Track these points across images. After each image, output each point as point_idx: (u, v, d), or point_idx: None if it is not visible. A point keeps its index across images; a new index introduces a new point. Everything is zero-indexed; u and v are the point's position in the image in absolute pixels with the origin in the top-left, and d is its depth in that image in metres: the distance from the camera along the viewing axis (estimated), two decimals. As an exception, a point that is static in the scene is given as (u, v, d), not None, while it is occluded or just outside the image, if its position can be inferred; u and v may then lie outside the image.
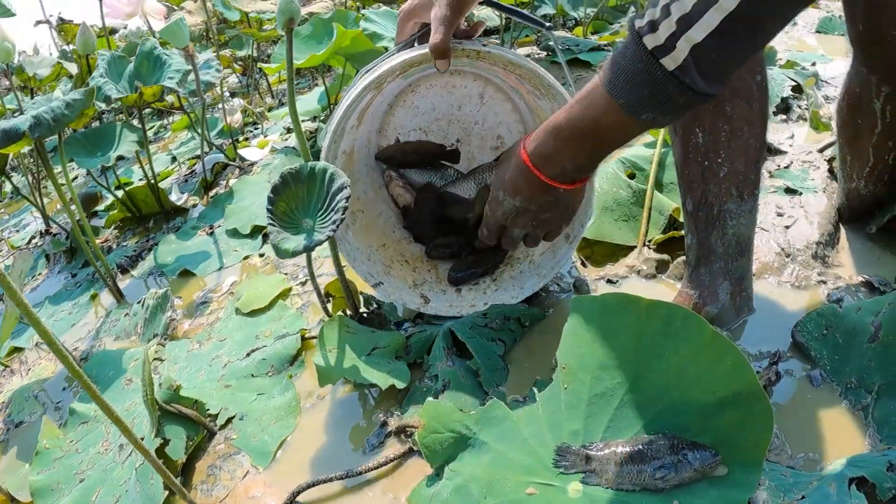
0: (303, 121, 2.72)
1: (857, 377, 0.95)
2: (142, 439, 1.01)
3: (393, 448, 1.07)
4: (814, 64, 2.29)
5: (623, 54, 0.77)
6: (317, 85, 3.49)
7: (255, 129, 3.01)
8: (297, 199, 1.12)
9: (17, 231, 3.01)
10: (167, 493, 1.06)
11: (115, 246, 2.33)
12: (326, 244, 1.20)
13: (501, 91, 1.49)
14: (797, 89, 2.04)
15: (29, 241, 2.75)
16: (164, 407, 1.16)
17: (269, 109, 3.38)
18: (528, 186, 0.98)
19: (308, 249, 1.03)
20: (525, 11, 1.34)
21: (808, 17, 2.98)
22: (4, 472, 1.34)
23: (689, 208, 1.12)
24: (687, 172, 1.10)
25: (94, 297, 1.97)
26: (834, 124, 1.37)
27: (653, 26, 0.72)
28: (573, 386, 0.93)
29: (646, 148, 1.62)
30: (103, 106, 2.04)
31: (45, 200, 2.74)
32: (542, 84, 1.22)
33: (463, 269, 1.36)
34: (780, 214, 1.41)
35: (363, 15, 2.50)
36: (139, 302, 1.68)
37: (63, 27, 3.46)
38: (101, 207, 2.72)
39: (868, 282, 1.18)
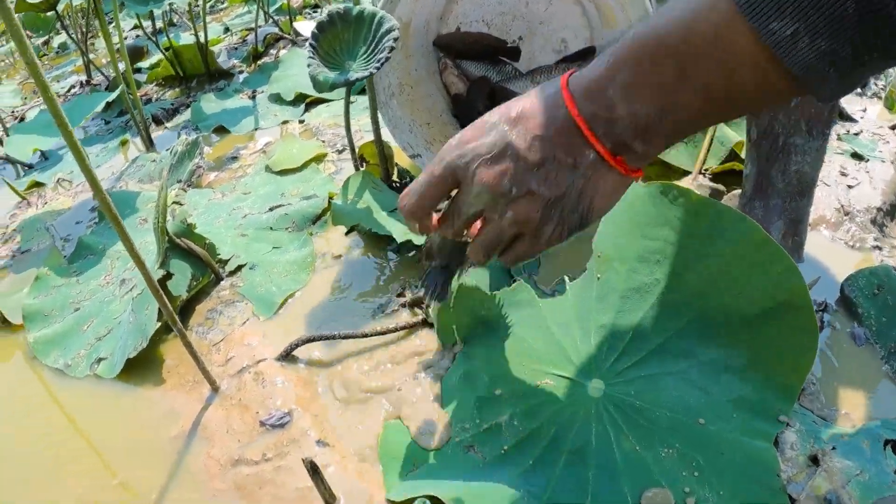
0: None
1: (904, 344, 0.87)
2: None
3: (403, 318, 0.99)
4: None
5: None
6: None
7: (315, 11, 2.91)
8: (341, 40, 1.04)
9: (58, 82, 2.98)
10: (159, 324, 1.00)
11: (154, 99, 2.27)
12: (367, 107, 1.11)
13: (572, -9, 1.40)
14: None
15: (69, 90, 2.71)
16: (173, 239, 1.10)
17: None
18: (542, 119, 0.57)
19: (347, 83, 0.95)
20: None
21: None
22: (3, 295, 1.30)
23: (752, 136, 1.03)
24: None
25: (124, 142, 1.92)
26: None
27: None
28: (607, 276, 0.85)
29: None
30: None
31: (91, 56, 2.71)
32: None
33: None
34: (843, 174, 1.31)
35: None
36: (168, 149, 1.63)
37: None
38: (145, 64, 2.66)
39: (927, 259, 1.08)
